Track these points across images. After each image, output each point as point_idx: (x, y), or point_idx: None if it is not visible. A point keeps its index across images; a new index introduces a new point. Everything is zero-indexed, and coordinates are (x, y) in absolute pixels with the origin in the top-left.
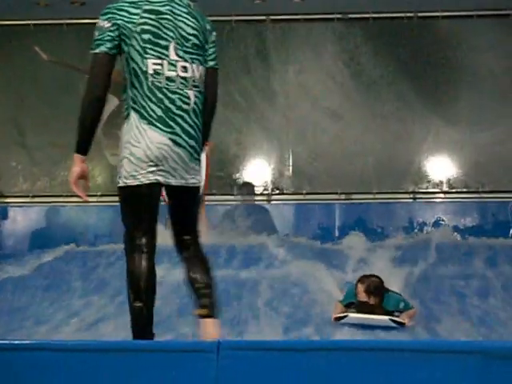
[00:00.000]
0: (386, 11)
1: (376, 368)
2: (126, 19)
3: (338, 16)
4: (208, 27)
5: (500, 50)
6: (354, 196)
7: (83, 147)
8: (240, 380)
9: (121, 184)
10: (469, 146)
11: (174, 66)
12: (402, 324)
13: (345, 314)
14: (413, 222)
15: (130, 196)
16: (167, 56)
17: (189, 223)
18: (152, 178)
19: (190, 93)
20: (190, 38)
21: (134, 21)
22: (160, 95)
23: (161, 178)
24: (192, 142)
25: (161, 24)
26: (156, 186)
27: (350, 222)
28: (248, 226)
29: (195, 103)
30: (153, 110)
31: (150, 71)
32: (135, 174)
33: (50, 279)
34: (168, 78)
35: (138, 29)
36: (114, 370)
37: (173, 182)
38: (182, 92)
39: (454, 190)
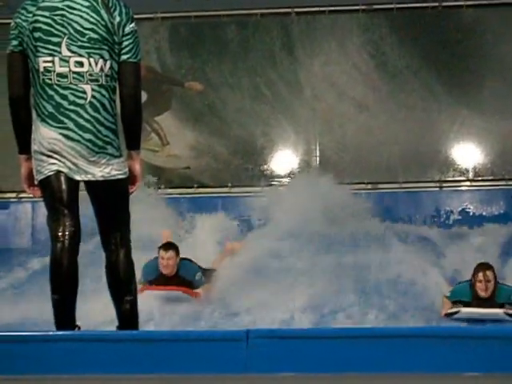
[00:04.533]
0: (410, 1)
1: (405, 354)
2: (22, 18)
3: (363, 7)
4: (120, 19)
5: None
6: (380, 186)
7: (21, 147)
8: (269, 368)
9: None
10: (494, 134)
11: (67, 61)
12: None
13: (457, 309)
14: (440, 210)
15: (43, 190)
16: (59, 52)
17: (112, 221)
18: (54, 168)
19: (86, 87)
20: (87, 32)
21: (28, 19)
22: (51, 92)
23: (63, 169)
24: (88, 136)
25: (53, 20)
26: (61, 176)
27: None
28: None
29: (93, 97)
30: (44, 107)
31: (41, 69)
32: (40, 169)
33: None
34: (59, 75)
35: (31, 27)
36: (142, 359)
37: (77, 177)
38: (75, 87)
39: (480, 178)
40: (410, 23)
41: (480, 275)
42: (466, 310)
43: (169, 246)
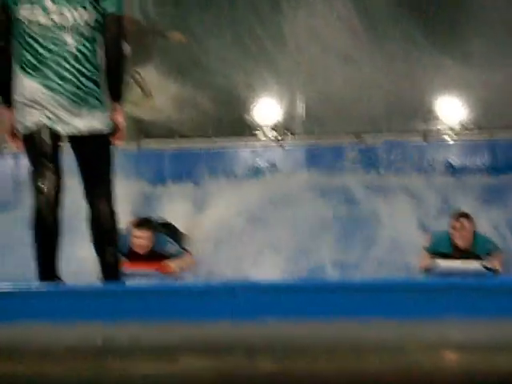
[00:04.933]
0: None
1: (391, 306)
2: None
3: None
4: None
5: None
6: (364, 137)
7: (2, 97)
8: (256, 321)
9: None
10: (479, 85)
11: (48, 12)
12: (494, 270)
13: (434, 262)
14: (423, 161)
15: (26, 143)
16: (41, 2)
17: (96, 174)
18: (35, 119)
19: (69, 38)
20: None
21: None
22: (32, 42)
23: (45, 121)
24: (70, 87)
25: None
26: (43, 129)
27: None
28: None
29: (76, 48)
30: (25, 57)
31: (23, 19)
32: (21, 120)
33: None
34: (41, 25)
35: None
36: (127, 312)
37: (59, 129)
38: (57, 37)
39: (464, 129)
40: None
41: (455, 223)
42: (443, 263)
43: (143, 222)
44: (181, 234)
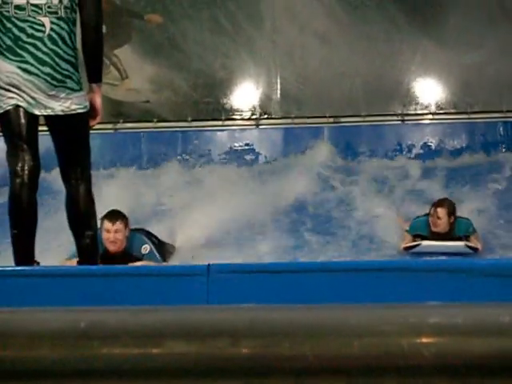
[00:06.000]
0: None
1: (364, 287)
2: None
3: None
4: None
5: None
6: (342, 119)
7: None
8: (231, 302)
9: None
10: (457, 67)
11: None
12: (476, 249)
13: (417, 242)
14: (401, 143)
15: (2, 125)
16: None
17: (73, 155)
18: (12, 102)
19: (45, 20)
20: None
21: None
22: (9, 25)
23: (23, 104)
24: (47, 69)
25: None
26: (20, 111)
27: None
28: None
29: (52, 30)
30: (2, 40)
31: None
32: None
33: None
34: (17, 7)
35: None
36: (105, 294)
37: (36, 111)
38: (33, 20)
39: (442, 111)
40: None
41: (432, 210)
42: (426, 243)
43: (115, 215)
44: (159, 241)
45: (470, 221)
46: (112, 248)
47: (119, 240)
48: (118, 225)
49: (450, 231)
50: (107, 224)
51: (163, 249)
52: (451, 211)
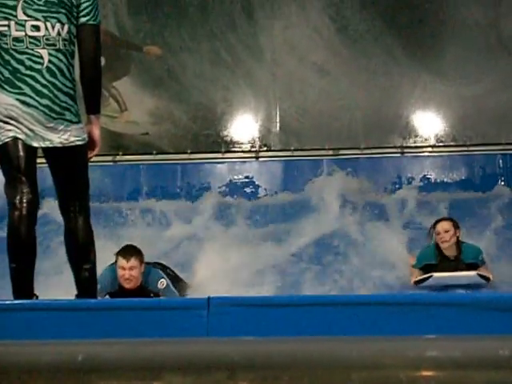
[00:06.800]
0: None
1: (365, 321)
2: None
3: None
4: None
5: (486, 2)
6: (342, 151)
7: None
8: (231, 335)
9: None
10: (456, 100)
11: (23, 25)
12: (488, 279)
13: (428, 275)
14: (401, 176)
15: (0, 157)
16: (15, 16)
17: (71, 187)
18: (11, 135)
19: (43, 52)
20: None
21: None
22: (7, 57)
23: (21, 136)
24: (45, 102)
25: None
26: (18, 143)
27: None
28: None
29: (50, 62)
30: (0, 72)
31: None
32: None
33: None
34: (15, 39)
35: None
36: (108, 327)
37: (35, 143)
38: (32, 52)
39: (441, 144)
40: None
41: (438, 228)
42: (437, 275)
43: (129, 251)
44: (176, 275)
45: (479, 249)
46: (127, 285)
47: (134, 277)
48: (133, 261)
49: (458, 255)
50: (121, 261)
51: (179, 283)
52: (455, 224)
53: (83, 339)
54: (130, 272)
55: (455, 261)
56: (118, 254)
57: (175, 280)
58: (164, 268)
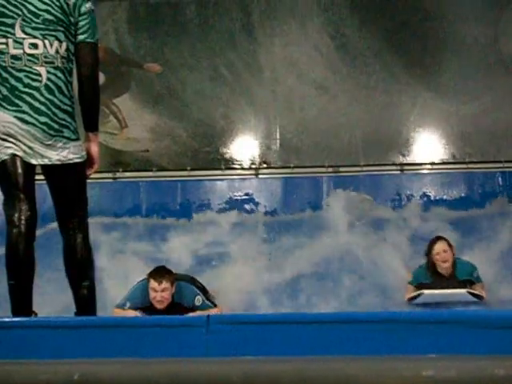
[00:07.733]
0: None
1: (361, 339)
2: None
3: None
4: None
5: (485, 20)
6: (341, 169)
7: None
8: (230, 354)
9: None
10: (455, 117)
11: (21, 43)
12: (480, 297)
13: (419, 292)
14: (400, 193)
15: None
16: (13, 34)
17: (70, 205)
18: (9, 152)
19: (41, 69)
20: (41, 13)
21: None
22: (5, 74)
23: (20, 153)
24: (43, 119)
25: (7, 1)
26: (16, 160)
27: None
28: None
29: (49, 79)
30: None
31: None
32: None
33: None
34: (13, 57)
35: None
36: (104, 346)
37: (33, 161)
38: (30, 69)
39: (441, 161)
40: (371, 4)
41: (436, 249)
42: (428, 292)
43: (161, 273)
44: (204, 287)
45: (474, 266)
46: (159, 306)
47: (166, 299)
48: (165, 284)
49: (453, 272)
50: (153, 283)
51: (206, 294)
52: (449, 242)
53: (81, 358)
54: (161, 294)
55: (449, 279)
56: (150, 276)
57: (204, 292)
58: (194, 281)
